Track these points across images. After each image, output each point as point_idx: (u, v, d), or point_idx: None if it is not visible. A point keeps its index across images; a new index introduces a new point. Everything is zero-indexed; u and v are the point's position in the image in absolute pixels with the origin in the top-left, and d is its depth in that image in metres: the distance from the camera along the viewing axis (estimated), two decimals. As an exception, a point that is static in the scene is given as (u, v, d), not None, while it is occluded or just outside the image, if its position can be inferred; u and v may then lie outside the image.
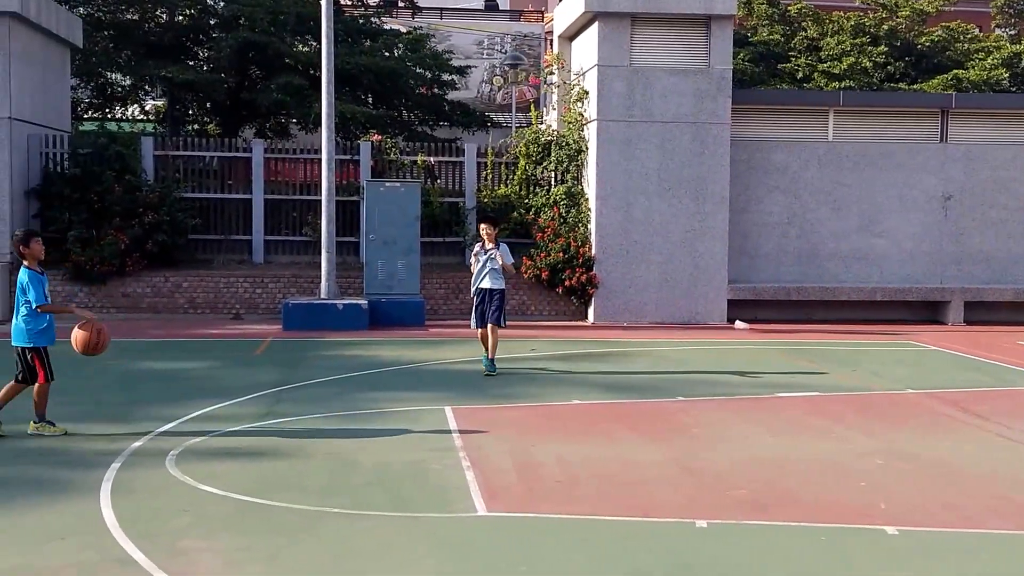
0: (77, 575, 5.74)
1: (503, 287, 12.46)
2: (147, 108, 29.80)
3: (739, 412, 10.53)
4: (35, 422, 9.04)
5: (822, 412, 10.56)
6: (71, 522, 6.67)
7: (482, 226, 12.66)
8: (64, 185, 18.03)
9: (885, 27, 28.42)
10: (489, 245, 12.45)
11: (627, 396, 11.32)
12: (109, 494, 7.26)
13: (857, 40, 27.66)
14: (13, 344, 9.00)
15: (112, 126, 21.62)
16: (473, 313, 12.52)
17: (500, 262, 12.35)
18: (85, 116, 27.05)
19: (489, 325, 12.32)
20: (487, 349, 12.39)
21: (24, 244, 9.00)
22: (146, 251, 17.83)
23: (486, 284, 12.37)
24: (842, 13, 29.32)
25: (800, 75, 27.67)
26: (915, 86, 27.04)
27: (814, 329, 17.66)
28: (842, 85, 26.26)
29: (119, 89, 27.26)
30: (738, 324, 17.87)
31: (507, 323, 12.82)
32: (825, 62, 27.62)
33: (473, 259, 12.59)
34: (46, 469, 7.96)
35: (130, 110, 29.04)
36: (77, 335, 9.14)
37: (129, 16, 26.36)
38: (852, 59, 27.12)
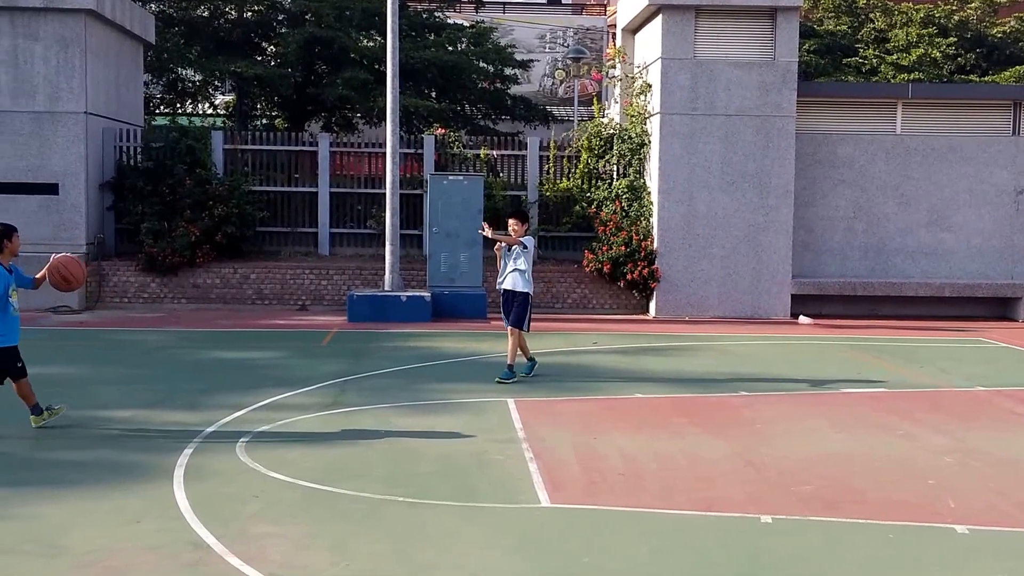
0: (153, 557, 5.91)
1: (526, 291, 11.49)
2: (216, 103, 30.28)
3: (803, 407, 10.47)
4: (33, 415, 8.85)
5: (889, 409, 10.46)
6: (146, 506, 6.86)
7: (510, 221, 11.68)
8: (137, 178, 18.42)
9: (955, 18, 27.88)
10: (512, 246, 11.64)
11: (689, 390, 11.31)
12: (182, 479, 7.46)
13: (926, 31, 27.20)
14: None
15: (183, 121, 21.98)
16: (501, 310, 11.90)
17: (521, 258, 11.49)
18: (157, 112, 27.60)
19: (508, 327, 11.61)
20: (521, 350, 11.68)
21: (8, 239, 8.68)
22: (216, 243, 18.16)
23: (507, 285, 11.57)
24: (911, 4, 28.82)
25: (867, 67, 27.26)
26: (986, 78, 26.51)
27: (880, 325, 17.45)
28: (911, 77, 25.83)
29: (189, 85, 27.75)
30: (802, 319, 17.73)
31: (530, 328, 11.77)
32: (893, 54, 27.19)
33: (497, 254, 12.03)
34: (122, 454, 8.18)
35: (200, 106, 29.54)
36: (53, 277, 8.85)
37: (199, 13, 26.84)
38: (921, 51, 26.66)
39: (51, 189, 17.64)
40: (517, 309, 11.45)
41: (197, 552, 6.02)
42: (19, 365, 8.73)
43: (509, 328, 11.52)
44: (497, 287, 11.86)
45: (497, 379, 11.30)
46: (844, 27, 28.79)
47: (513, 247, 11.60)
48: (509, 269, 11.59)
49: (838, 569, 5.94)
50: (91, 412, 9.58)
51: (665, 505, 7.11)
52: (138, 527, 6.43)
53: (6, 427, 8.23)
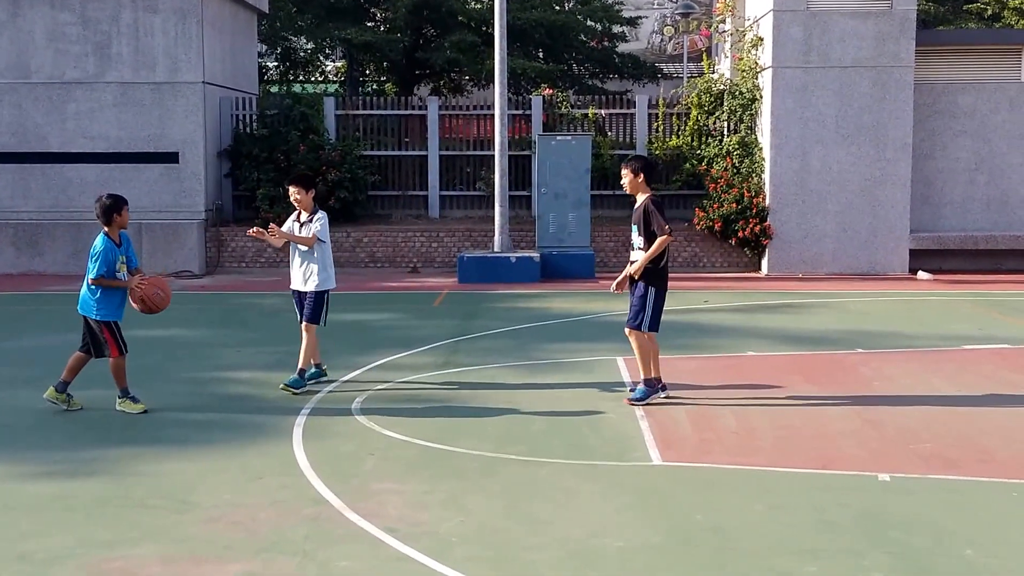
0: (276, 512, 6.11)
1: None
2: (327, 71, 30.72)
3: (923, 364, 10.21)
4: (119, 397, 8.50)
5: (1014, 366, 10.13)
6: (268, 463, 7.08)
7: (291, 189, 9.25)
8: (253, 145, 18.86)
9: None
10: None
11: (804, 348, 11.13)
12: (301, 438, 7.67)
13: (1054, -27, 25.97)
14: (81, 313, 8.43)
15: (296, 89, 22.39)
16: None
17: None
18: (270, 83, 28.15)
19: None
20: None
21: (117, 211, 8.38)
22: (329, 207, 18.46)
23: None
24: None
25: (988, 14, 26.19)
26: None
27: (1004, 280, 16.87)
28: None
29: (302, 54, 28.19)
30: (921, 275, 17.25)
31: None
32: (1017, -2, 26.07)
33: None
34: (244, 414, 8.45)
35: (312, 75, 30.02)
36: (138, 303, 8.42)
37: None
38: (1048, -6, 25.51)
39: (172, 158, 18.18)
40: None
41: (317, 507, 6.20)
42: (103, 342, 8.31)
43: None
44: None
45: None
46: (965, -29, 27.71)
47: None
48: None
49: (961, 526, 5.81)
50: (213, 373, 9.91)
51: (780, 463, 7.03)
52: (261, 483, 6.65)
53: (133, 389, 8.56)
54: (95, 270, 8.22)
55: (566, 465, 7.00)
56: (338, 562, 5.38)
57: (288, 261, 9.52)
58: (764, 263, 17.88)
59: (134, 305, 8.42)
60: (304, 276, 9.19)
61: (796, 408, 8.50)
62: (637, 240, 8.54)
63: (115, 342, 8.36)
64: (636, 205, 8.64)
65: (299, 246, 9.15)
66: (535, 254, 17.13)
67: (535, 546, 5.58)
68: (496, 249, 17.40)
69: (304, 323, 9.22)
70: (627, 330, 8.64)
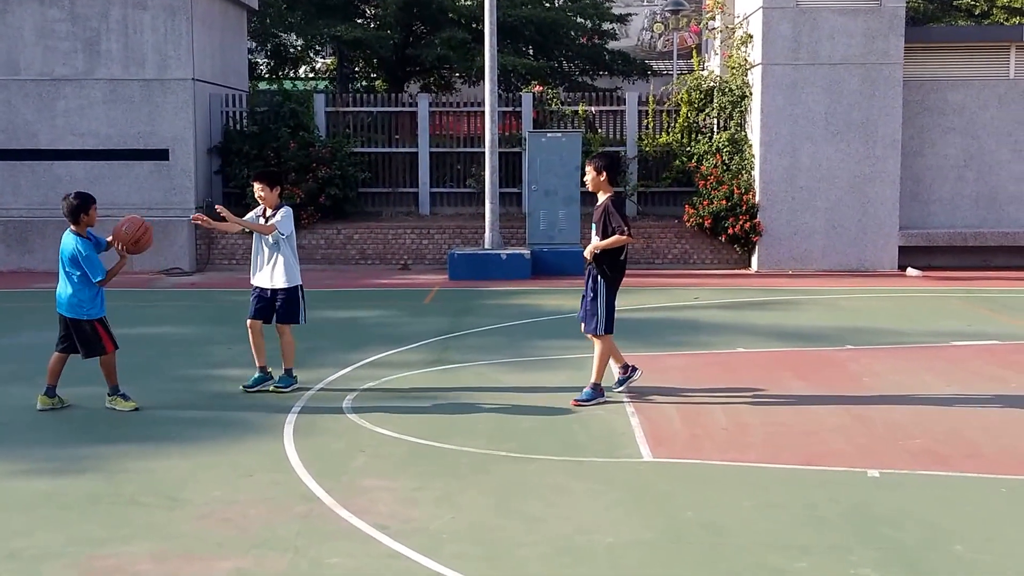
0: (267, 509, 6.11)
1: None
2: (317, 67, 30.68)
3: (913, 361, 10.26)
4: (109, 395, 8.45)
5: (1003, 362, 10.18)
6: (259, 460, 7.08)
7: (256, 186, 9.01)
8: (243, 142, 18.82)
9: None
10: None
11: (794, 344, 11.16)
12: (292, 435, 7.67)
13: (1042, -30, 26.07)
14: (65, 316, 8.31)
15: (286, 86, 22.36)
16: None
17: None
18: (260, 79, 28.10)
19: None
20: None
21: (85, 211, 8.23)
22: (320, 204, 18.48)
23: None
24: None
25: (978, 11, 26.28)
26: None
27: (993, 276, 16.94)
28: (1025, 19, 24.85)
29: (292, 50, 28.14)
30: (910, 271, 17.31)
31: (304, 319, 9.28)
32: (1006, -5, 26.17)
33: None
34: (236, 412, 8.44)
35: (301, 70, 29.97)
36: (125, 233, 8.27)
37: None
38: (1036, -9, 25.61)
39: (161, 155, 18.14)
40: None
41: (308, 504, 6.20)
42: (96, 341, 8.25)
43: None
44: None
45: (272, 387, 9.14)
46: (954, -31, 27.80)
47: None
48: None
49: (951, 522, 5.84)
50: (204, 371, 9.90)
51: (770, 459, 7.06)
52: (251, 480, 6.65)
53: (124, 386, 8.55)
54: (97, 272, 8.12)
55: (557, 462, 7.01)
56: (329, 559, 5.39)
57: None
58: (754, 260, 17.92)
59: (125, 251, 8.20)
60: (271, 273, 8.89)
61: (786, 404, 8.53)
62: (595, 240, 8.50)
63: (110, 337, 8.32)
64: (597, 204, 8.63)
65: (264, 243, 8.88)
66: (525, 251, 17.15)
67: (526, 543, 5.60)
68: (487, 246, 17.40)
69: (279, 324, 8.94)
70: (589, 336, 8.67)
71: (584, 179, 8.70)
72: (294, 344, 9.17)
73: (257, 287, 8.99)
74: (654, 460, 7.07)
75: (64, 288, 8.25)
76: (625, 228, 8.34)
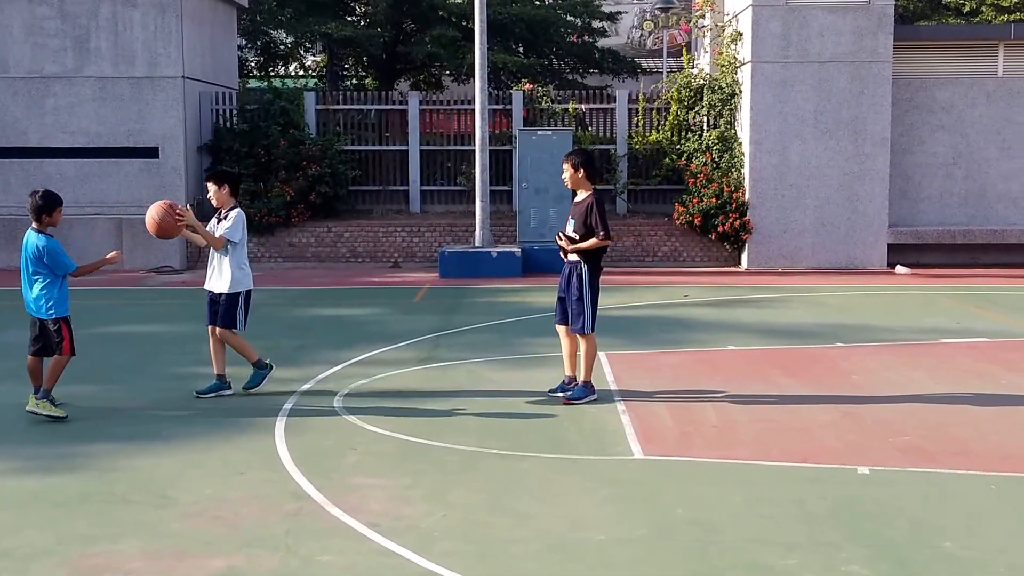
0: (257, 507, 6.11)
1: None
2: (307, 65, 30.63)
3: (902, 358, 10.29)
4: (37, 396, 8.12)
5: (992, 359, 10.23)
6: (249, 458, 7.08)
7: (209, 185, 9.04)
8: (233, 140, 18.79)
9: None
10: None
11: (784, 342, 11.20)
12: (283, 433, 7.67)
13: (1031, -31, 26.16)
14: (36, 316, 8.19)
15: (276, 83, 22.36)
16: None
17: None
18: (250, 76, 28.05)
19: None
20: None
21: (48, 212, 8.12)
22: (310, 202, 18.46)
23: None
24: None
25: (967, 9, 26.36)
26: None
27: (981, 274, 17.01)
28: (1013, 18, 24.91)
29: (282, 47, 28.09)
30: (899, 269, 17.37)
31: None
32: (994, -6, 26.25)
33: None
34: (225, 409, 8.43)
35: (291, 67, 29.92)
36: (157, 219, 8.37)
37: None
38: (1025, -11, 25.69)
39: (151, 153, 18.11)
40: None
41: (299, 502, 6.20)
42: (57, 341, 8.11)
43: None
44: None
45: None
46: (943, -33, 27.88)
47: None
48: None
49: (939, 519, 5.87)
50: (194, 368, 9.88)
51: (760, 456, 7.09)
52: (242, 478, 6.65)
53: (114, 384, 8.54)
54: (67, 265, 8.06)
55: (548, 459, 7.03)
56: (320, 556, 5.40)
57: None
58: (744, 258, 17.96)
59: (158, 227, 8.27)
60: (218, 274, 8.73)
61: (776, 402, 8.56)
62: (570, 233, 8.45)
63: (71, 340, 8.14)
64: (577, 200, 8.55)
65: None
66: (516, 249, 17.16)
67: (518, 540, 5.61)
68: (477, 244, 17.41)
69: (218, 328, 8.77)
70: (575, 335, 8.58)
71: (562, 176, 8.69)
72: (244, 343, 8.89)
73: (208, 291, 8.91)
74: (645, 457, 7.09)
75: (29, 289, 8.14)
76: (603, 232, 8.33)
